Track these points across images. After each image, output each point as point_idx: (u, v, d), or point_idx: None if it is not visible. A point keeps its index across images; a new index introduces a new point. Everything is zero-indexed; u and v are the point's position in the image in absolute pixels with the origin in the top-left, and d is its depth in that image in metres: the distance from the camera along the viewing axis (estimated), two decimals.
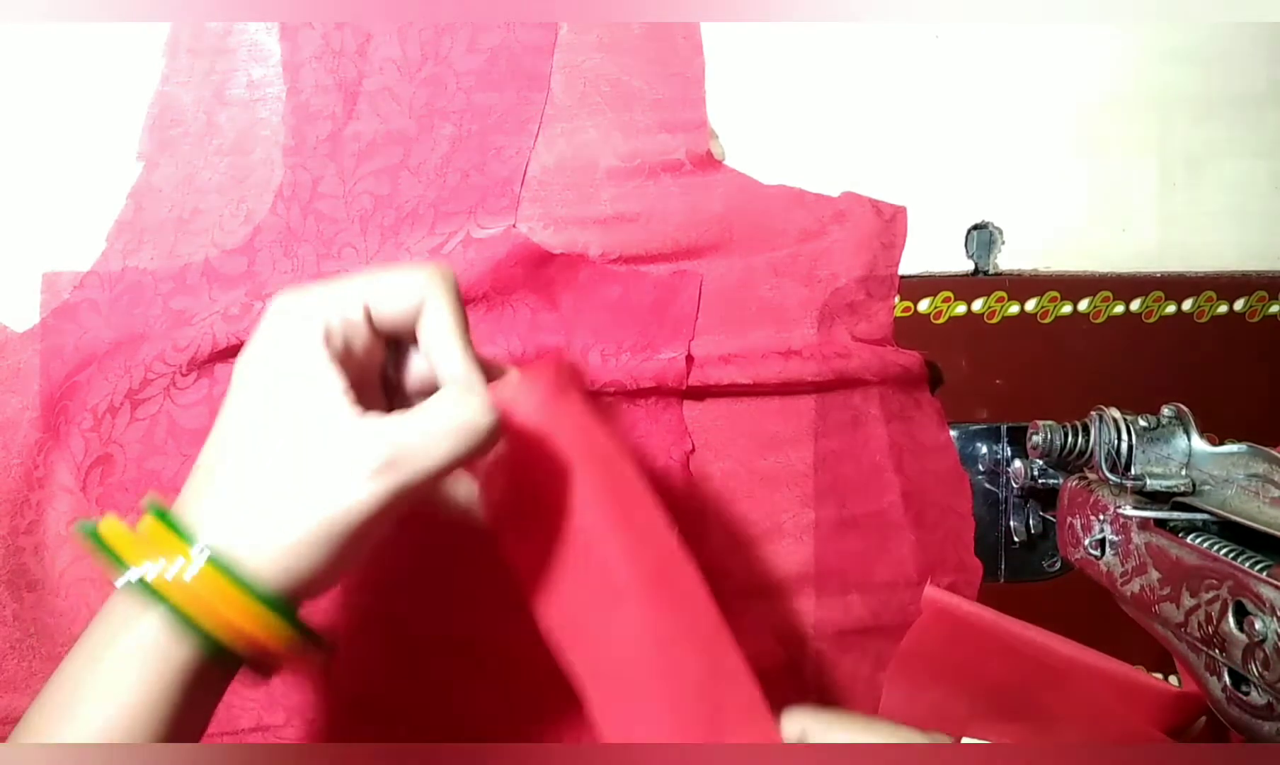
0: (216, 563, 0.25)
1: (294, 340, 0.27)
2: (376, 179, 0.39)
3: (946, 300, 0.42)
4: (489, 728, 0.41)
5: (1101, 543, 0.36)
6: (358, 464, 0.25)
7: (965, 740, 0.43)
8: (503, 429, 0.27)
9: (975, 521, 0.43)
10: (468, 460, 0.26)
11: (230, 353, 0.38)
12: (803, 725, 0.33)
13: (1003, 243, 0.43)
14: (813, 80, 0.41)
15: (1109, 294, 0.43)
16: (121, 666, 0.25)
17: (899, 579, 0.42)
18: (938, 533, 0.42)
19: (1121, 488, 0.34)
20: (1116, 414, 0.35)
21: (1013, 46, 0.42)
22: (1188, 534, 0.32)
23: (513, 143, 0.40)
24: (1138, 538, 0.34)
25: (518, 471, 0.30)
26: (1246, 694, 0.29)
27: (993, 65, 0.42)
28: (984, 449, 0.43)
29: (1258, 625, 0.28)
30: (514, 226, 0.40)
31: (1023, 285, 0.42)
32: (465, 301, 0.29)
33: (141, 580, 0.25)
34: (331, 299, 0.27)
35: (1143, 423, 0.35)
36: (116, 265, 0.39)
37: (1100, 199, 0.43)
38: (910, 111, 0.42)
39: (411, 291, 0.28)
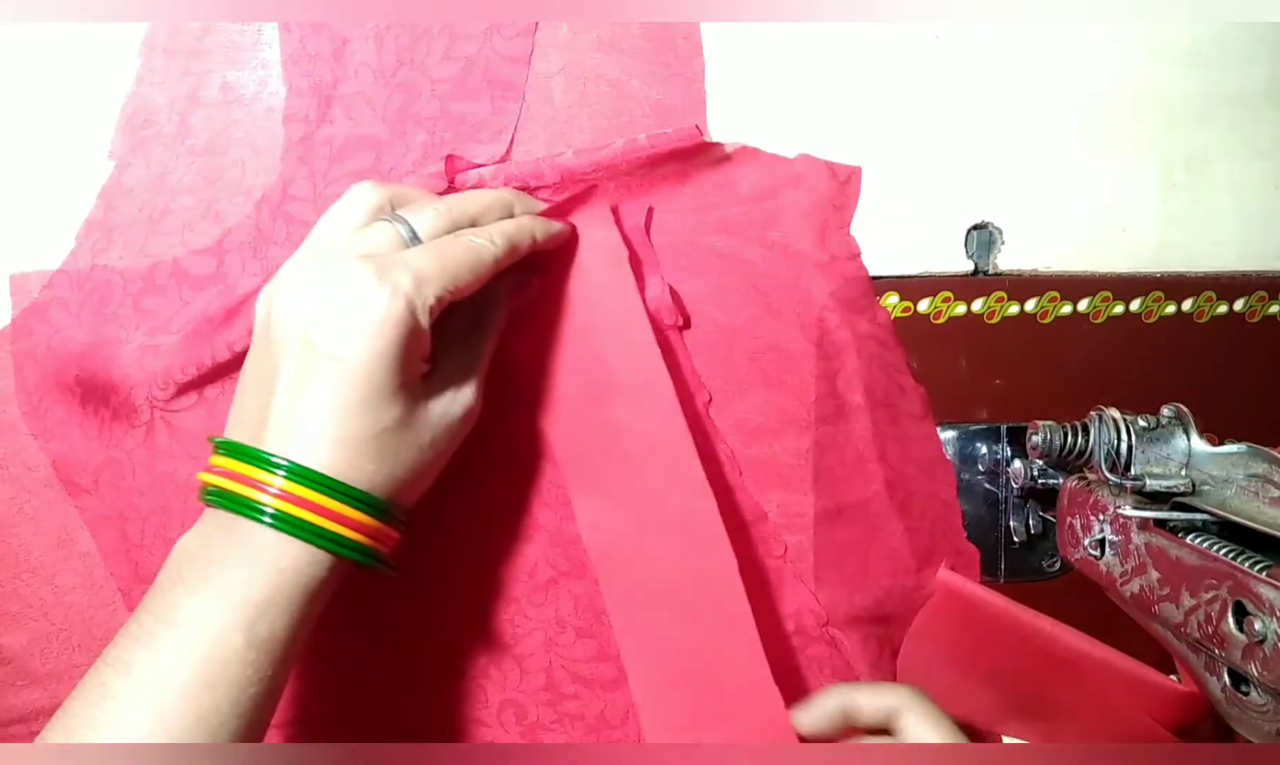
0: (313, 475, 0.29)
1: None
2: (348, 182, 0.39)
3: (946, 300, 0.42)
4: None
5: (1101, 543, 0.36)
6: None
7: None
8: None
9: (973, 519, 0.43)
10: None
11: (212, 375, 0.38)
12: (845, 697, 0.36)
13: (1003, 243, 0.43)
14: (812, 80, 0.41)
15: (1109, 294, 0.43)
16: (232, 572, 0.29)
17: (897, 567, 0.42)
18: (925, 521, 0.42)
19: (1121, 488, 0.34)
20: (1116, 414, 0.35)
21: (1013, 46, 0.42)
22: (1187, 534, 0.32)
23: (486, 152, 0.39)
24: (1137, 538, 0.34)
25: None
26: (1246, 694, 0.29)
27: (993, 65, 0.42)
28: (984, 449, 0.43)
29: (1257, 625, 0.28)
30: None
31: (1023, 285, 0.42)
32: None
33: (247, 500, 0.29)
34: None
35: (1142, 423, 0.35)
36: (86, 264, 0.39)
37: (1100, 199, 0.43)
38: (910, 112, 0.42)
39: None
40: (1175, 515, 0.33)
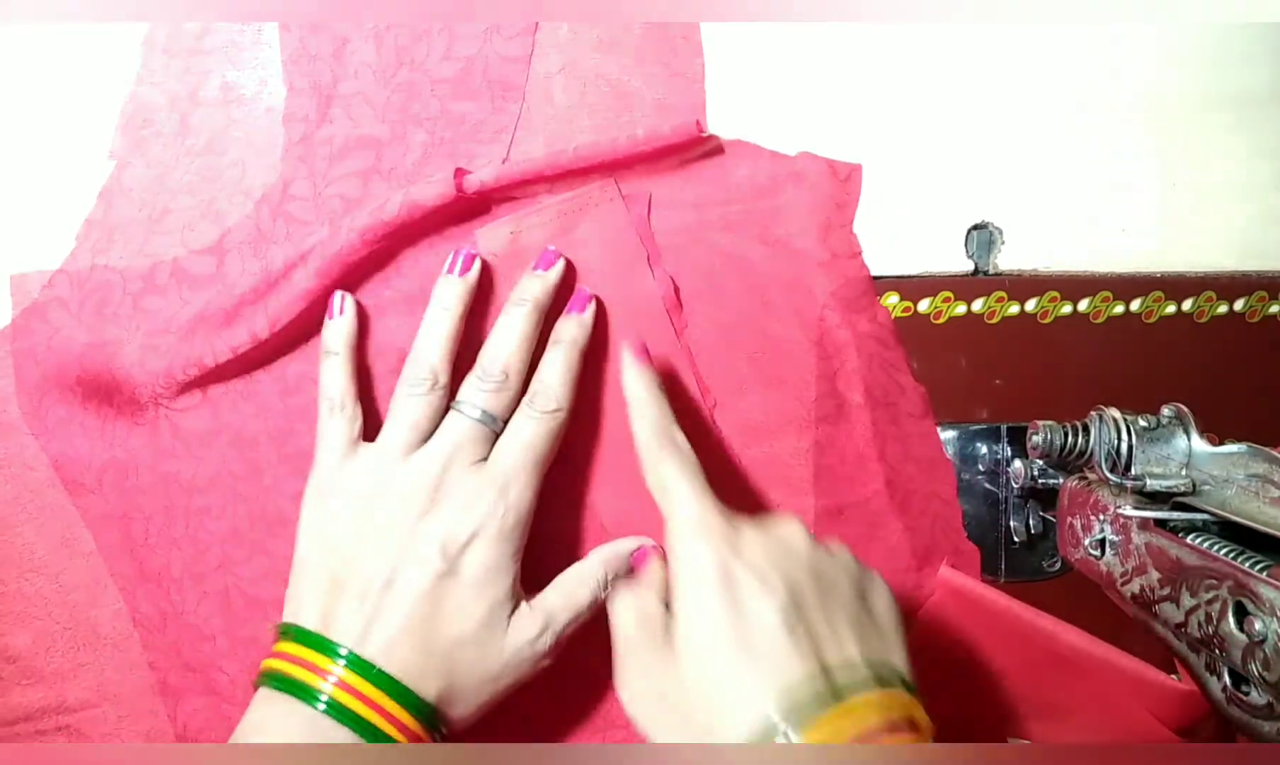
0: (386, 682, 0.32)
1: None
2: (348, 182, 0.39)
3: (946, 300, 0.42)
4: None
5: (1101, 543, 0.36)
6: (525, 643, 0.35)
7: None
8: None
9: (973, 519, 0.43)
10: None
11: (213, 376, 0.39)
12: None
13: (1003, 243, 0.43)
14: (812, 80, 0.41)
15: (1109, 294, 0.43)
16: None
17: (897, 566, 0.42)
18: (925, 520, 0.42)
19: (1121, 488, 0.34)
20: (1116, 414, 0.35)
21: (1013, 46, 0.42)
22: (1188, 534, 0.32)
23: (486, 152, 0.39)
24: (1138, 538, 0.34)
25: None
26: (1246, 694, 0.29)
27: (993, 65, 0.42)
28: (984, 449, 0.43)
29: (1258, 625, 0.28)
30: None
31: (1023, 285, 0.42)
32: None
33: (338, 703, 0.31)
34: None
35: (1143, 423, 0.35)
36: (85, 264, 0.39)
37: (1100, 199, 0.43)
38: (910, 111, 0.42)
39: None
40: (1175, 515, 0.33)
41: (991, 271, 0.43)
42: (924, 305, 0.42)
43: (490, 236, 0.39)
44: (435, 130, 0.39)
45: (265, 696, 0.32)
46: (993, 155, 0.42)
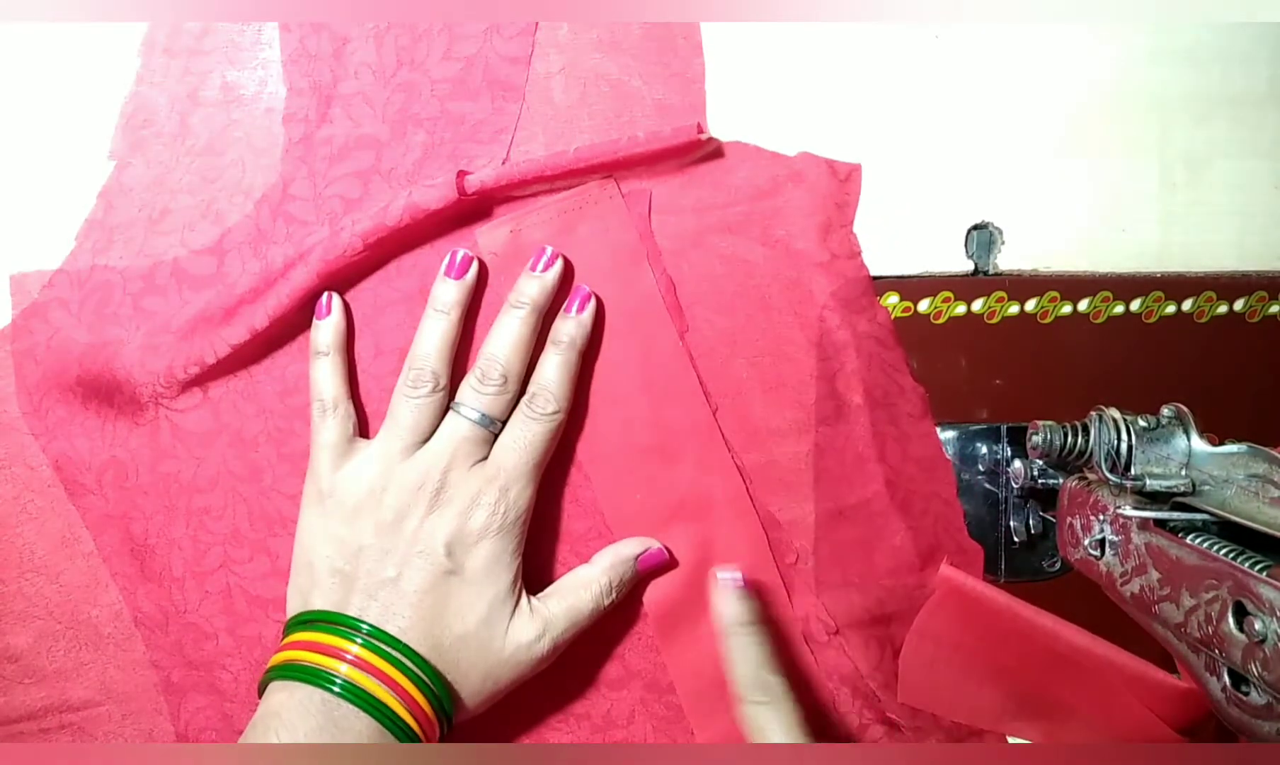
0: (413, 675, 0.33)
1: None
2: (347, 182, 0.39)
3: (946, 300, 0.42)
4: None
5: (1101, 543, 0.36)
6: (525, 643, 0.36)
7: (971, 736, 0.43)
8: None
9: (973, 519, 0.43)
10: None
11: (213, 372, 0.39)
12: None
13: (1003, 243, 0.43)
14: (812, 80, 0.41)
15: (1109, 294, 0.43)
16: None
17: (900, 566, 0.42)
18: (927, 520, 0.42)
19: (1121, 488, 0.34)
20: (1116, 414, 0.35)
21: (1012, 46, 0.42)
22: (1188, 534, 0.32)
23: (486, 152, 0.39)
24: (1137, 538, 0.34)
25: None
26: (1246, 694, 0.29)
27: (992, 65, 0.42)
28: (984, 449, 0.43)
29: (1258, 625, 0.28)
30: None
31: (1023, 285, 0.42)
32: None
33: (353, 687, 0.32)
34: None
35: (1142, 423, 0.35)
36: (85, 264, 0.39)
37: (1100, 199, 0.43)
38: (910, 112, 0.42)
39: None
40: (1175, 515, 0.33)
41: (991, 271, 0.43)
42: (924, 305, 0.42)
43: (490, 235, 0.39)
44: (435, 130, 0.39)
45: (277, 688, 0.33)
46: (993, 155, 0.42)
